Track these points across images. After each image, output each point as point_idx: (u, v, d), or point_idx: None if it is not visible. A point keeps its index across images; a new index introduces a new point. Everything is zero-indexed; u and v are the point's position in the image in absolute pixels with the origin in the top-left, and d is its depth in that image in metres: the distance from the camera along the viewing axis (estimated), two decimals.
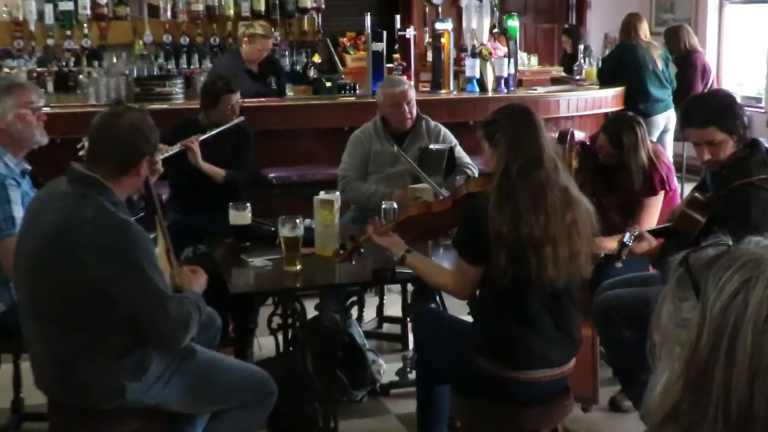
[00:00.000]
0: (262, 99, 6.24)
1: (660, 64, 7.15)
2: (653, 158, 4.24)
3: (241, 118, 4.90)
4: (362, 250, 3.44)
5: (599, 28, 10.46)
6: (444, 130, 4.86)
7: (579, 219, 3.01)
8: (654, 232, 3.71)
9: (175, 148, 4.51)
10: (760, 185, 3.34)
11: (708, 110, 3.44)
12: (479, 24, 9.48)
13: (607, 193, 4.29)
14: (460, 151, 4.76)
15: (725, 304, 1.00)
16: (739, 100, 3.71)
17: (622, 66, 7.12)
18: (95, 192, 2.79)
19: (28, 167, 3.69)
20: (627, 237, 3.50)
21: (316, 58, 8.19)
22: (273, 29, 7.68)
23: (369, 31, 6.62)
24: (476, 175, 4.56)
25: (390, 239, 3.39)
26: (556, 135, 4.54)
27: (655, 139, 6.55)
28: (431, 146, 4.61)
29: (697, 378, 1.01)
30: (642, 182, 4.17)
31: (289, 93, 6.98)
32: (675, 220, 3.60)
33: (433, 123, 4.88)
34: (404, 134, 4.78)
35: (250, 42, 6.38)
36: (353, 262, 3.47)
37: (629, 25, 7.25)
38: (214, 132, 4.76)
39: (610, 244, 3.78)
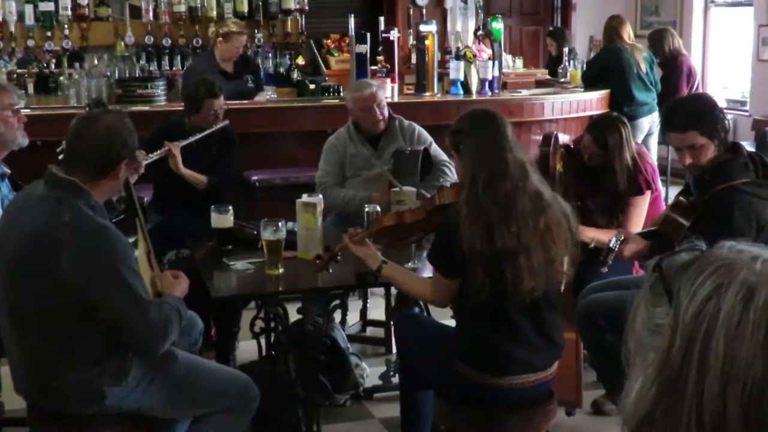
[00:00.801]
0: (245, 101, 6.21)
1: (644, 67, 7.16)
2: (637, 159, 4.24)
3: (226, 122, 4.83)
4: (339, 258, 3.43)
5: (584, 31, 10.49)
6: (418, 128, 4.82)
7: (552, 223, 2.97)
8: (639, 236, 3.71)
9: (156, 155, 4.46)
10: (742, 189, 3.33)
11: (688, 115, 3.44)
12: (464, 26, 9.48)
13: (592, 195, 4.29)
14: (436, 149, 4.73)
15: (697, 310, 0.99)
16: (724, 103, 3.73)
17: (607, 70, 7.13)
18: (73, 196, 2.76)
19: (8, 171, 3.66)
20: (613, 242, 3.50)
21: (300, 60, 8.17)
22: (256, 30, 7.68)
23: (353, 33, 6.60)
24: (454, 174, 4.56)
25: (365, 250, 3.37)
26: (541, 138, 4.54)
27: (639, 142, 6.56)
28: (406, 149, 4.58)
29: (669, 385, 1.00)
30: (627, 183, 4.18)
31: (273, 95, 6.95)
32: (659, 223, 3.60)
33: (407, 122, 4.84)
34: (378, 136, 4.76)
35: (225, 41, 6.34)
36: (330, 271, 3.46)
37: (611, 28, 7.25)
38: (196, 137, 4.69)
39: (595, 234, 3.79)
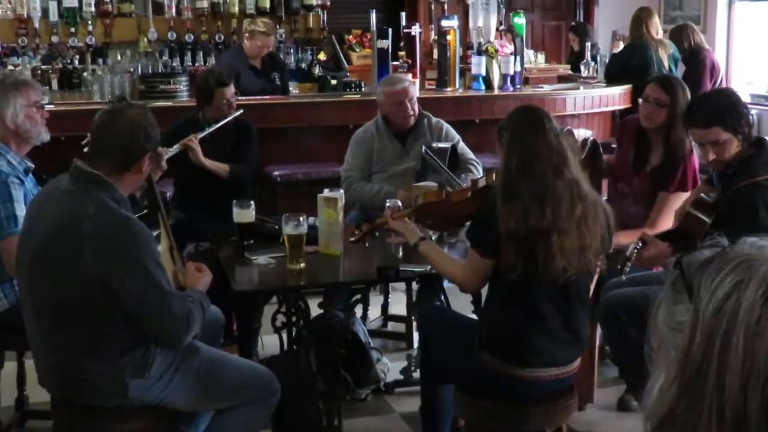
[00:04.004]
0: (267, 96, 6.24)
1: (667, 64, 7.09)
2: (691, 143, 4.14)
3: (240, 111, 4.85)
4: (377, 234, 3.46)
5: (607, 26, 10.43)
6: (446, 126, 4.82)
7: (589, 214, 3.01)
8: (659, 236, 3.67)
9: (175, 149, 4.48)
10: (766, 185, 3.31)
11: (712, 110, 3.41)
12: (486, 21, 9.42)
13: (630, 177, 4.20)
14: (463, 147, 4.73)
15: (717, 306, 0.98)
16: (748, 98, 3.68)
17: (630, 67, 7.06)
18: (97, 189, 2.78)
19: (31, 165, 3.69)
20: (630, 249, 3.46)
21: (322, 56, 8.18)
22: (278, 26, 7.69)
23: (374, 28, 6.60)
24: (480, 172, 4.56)
25: (405, 225, 3.42)
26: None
27: None
28: (432, 145, 4.58)
29: (690, 381, 1.00)
30: (682, 145, 4.05)
31: (294, 90, 6.97)
32: (680, 221, 3.57)
33: (435, 119, 4.84)
34: (406, 132, 4.75)
35: (250, 38, 6.52)
36: (366, 244, 3.49)
37: (639, 19, 7.16)
38: (212, 128, 4.71)
39: (624, 239, 3.75)
